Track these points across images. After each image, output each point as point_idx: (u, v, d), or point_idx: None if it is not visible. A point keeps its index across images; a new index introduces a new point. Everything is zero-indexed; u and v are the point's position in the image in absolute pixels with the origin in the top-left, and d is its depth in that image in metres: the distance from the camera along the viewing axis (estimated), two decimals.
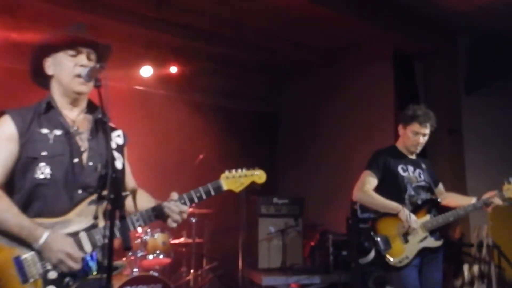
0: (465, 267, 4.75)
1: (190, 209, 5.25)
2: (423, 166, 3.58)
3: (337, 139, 6.91)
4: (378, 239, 3.26)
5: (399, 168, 3.46)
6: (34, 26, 5.20)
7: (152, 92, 6.86)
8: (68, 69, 2.10)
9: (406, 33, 5.75)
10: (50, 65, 2.15)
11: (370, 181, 3.44)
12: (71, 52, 2.11)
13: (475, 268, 4.66)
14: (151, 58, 6.48)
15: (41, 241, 1.89)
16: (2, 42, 5.33)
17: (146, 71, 6.47)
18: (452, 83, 6.07)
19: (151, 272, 4.56)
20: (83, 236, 1.99)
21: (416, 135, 3.46)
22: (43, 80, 2.19)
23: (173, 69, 6.66)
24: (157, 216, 2.11)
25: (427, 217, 3.35)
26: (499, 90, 6.01)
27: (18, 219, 1.91)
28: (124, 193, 2.12)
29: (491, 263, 4.61)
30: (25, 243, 1.91)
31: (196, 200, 2.17)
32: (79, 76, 2.07)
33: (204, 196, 2.19)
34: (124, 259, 4.59)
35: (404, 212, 3.25)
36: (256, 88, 8.03)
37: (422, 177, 3.51)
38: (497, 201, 3.38)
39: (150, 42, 6.28)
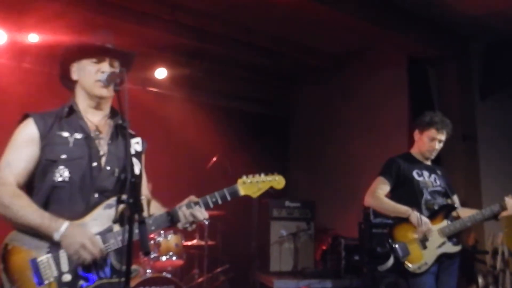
0: (479, 275, 4.72)
1: None
2: (439, 172, 3.60)
3: (349, 143, 6.90)
4: (397, 246, 3.26)
5: (414, 173, 3.48)
6: (46, 27, 5.28)
7: (166, 94, 6.91)
8: (90, 74, 2.16)
9: (420, 38, 5.73)
10: (76, 70, 2.21)
11: (382, 187, 3.48)
12: (94, 59, 2.17)
13: (489, 275, 4.62)
14: (165, 60, 6.54)
15: (62, 229, 1.92)
16: (12, 42, 5.39)
17: (161, 73, 6.54)
18: (466, 88, 6.03)
19: (164, 274, 4.59)
20: (98, 240, 2.01)
21: (432, 141, 3.50)
22: (70, 83, 2.25)
23: (186, 71, 6.70)
24: (172, 220, 2.13)
25: (445, 223, 3.36)
26: None
27: (39, 212, 1.96)
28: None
29: (506, 271, 4.58)
30: (45, 240, 1.94)
31: (211, 205, 2.18)
32: (99, 81, 2.13)
33: (219, 201, 2.19)
34: (142, 259, 4.64)
35: (415, 215, 3.25)
36: (268, 91, 8.06)
37: (438, 182, 3.52)
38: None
39: (165, 44, 6.34)
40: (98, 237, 2.00)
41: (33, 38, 5.44)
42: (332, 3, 4.93)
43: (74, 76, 2.21)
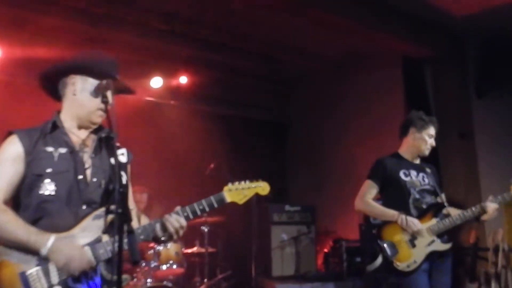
0: (481, 272, 4.70)
1: (203, 218, 5.26)
2: (428, 170, 3.62)
3: (347, 145, 6.89)
4: (385, 245, 3.30)
5: (401, 173, 3.51)
6: (42, 41, 5.27)
7: (162, 102, 6.91)
8: (95, 100, 2.13)
9: (415, 38, 5.75)
10: (76, 83, 2.17)
11: (370, 191, 3.53)
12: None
13: (491, 272, 4.60)
14: (161, 69, 6.55)
15: (49, 243, 1.93)
16: (8, 56, 5.39)
17: (156, 82, 6.54)
18: (463, 86, 6.03)
19: (165, 283, 4.58)
20: (87, 251, 2.01)
21: (431, 138, 3.57)
22: (52, 86, 2.23)
23: (183, 80, 6.73)
24: (161, 229, 2.14)
25: (433, 221, 3.38)
26: (510, 92, 5.96)
27: (25, 227, 1.96)
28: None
29: (507, 267, 4.56)
30: (33, 254, 1.94)
31: (199, 212, 2.20)
32: (101, 109, 2.13)
33: (207, 209, 2.21)
34: (138, 270, 4.62)
35: (402, 219, 3.28)
36: (266, 97, 8.05)
37: (426, 180, 3.54)
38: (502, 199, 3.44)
39: (160, 53, 6.34)
40: (87, 248, 2.00)
41: (28, 52, 5.42)
42: (328, 7, 4.95)
43: (71, 88, 2.17)
